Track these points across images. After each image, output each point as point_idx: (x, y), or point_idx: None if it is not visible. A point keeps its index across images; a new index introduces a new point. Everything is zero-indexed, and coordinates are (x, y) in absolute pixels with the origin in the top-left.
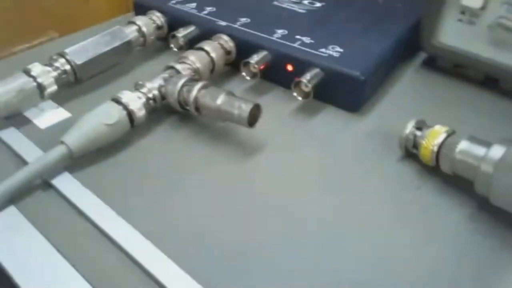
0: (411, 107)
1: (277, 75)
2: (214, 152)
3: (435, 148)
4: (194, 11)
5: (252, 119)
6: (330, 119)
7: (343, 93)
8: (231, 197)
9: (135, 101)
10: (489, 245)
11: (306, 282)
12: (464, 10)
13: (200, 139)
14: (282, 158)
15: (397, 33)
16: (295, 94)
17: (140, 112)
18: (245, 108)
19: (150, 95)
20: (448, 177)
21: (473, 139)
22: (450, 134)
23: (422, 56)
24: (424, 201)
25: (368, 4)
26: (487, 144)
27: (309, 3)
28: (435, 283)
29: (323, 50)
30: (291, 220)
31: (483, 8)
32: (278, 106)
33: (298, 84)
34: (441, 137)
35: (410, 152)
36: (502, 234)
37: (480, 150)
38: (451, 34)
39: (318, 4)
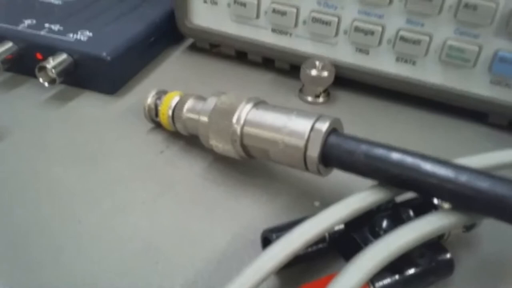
0: (169, 85)
1: (29, 65)
2: None
3: (170, 112)
4: None
5: None
6: (86, 103)
7: (95, 75)
8: None
9: None
10: (222, 190)
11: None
12: None
13: None
14: (31, 140)
15: (153, 17)
16: (41, 80)
17: None
18: None
19: None
20: (189, 138)
21: (198, 98)
22: (182, 98)
23: (190, 40)
24: (165, 162)
25: None
26: (205, 99)
27: None
28: (170, 229)
29: (71, 35)
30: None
31: None
32: (31, 95)
33: (42, 69)
34: (174, 100)
35: (155, 121)
36: (230, 181)
37: (200, 105)
38: (201, 16)
39: None
